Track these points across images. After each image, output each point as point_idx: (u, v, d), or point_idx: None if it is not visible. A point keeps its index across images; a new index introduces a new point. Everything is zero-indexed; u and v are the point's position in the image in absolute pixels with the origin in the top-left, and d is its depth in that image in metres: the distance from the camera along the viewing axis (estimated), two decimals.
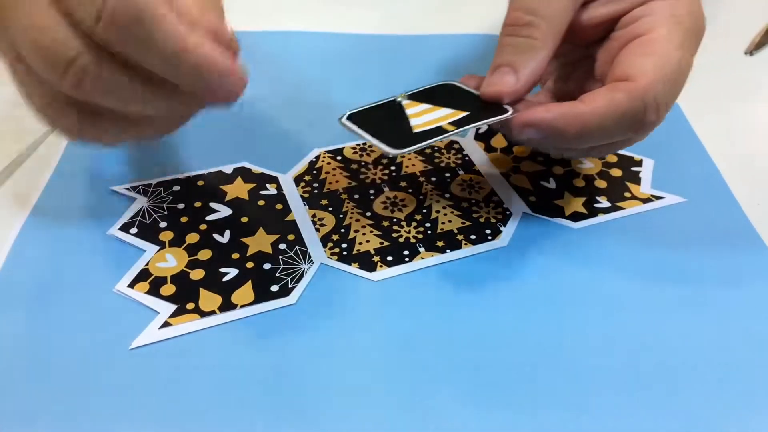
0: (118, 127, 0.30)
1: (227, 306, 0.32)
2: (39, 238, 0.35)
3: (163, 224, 0.35)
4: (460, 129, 0.31)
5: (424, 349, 0.30)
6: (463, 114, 0.32)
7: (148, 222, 0.35)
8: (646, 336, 0.31)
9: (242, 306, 0.32)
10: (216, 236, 0.35)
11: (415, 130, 0.32)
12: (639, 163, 0.41)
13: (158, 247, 0.34)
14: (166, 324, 0.31)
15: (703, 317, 0.32)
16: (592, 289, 0.33)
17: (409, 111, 0.33)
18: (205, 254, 0.34)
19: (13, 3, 0.28)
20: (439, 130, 0.31)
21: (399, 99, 0.34)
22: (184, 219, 0.36)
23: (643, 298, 0.33)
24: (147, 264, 0.33)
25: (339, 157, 0.40)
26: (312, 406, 0.28)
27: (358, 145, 0.41)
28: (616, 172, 0.40)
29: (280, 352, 0.30)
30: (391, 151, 0.30)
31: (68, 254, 0.34)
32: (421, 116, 0.33)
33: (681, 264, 0.35)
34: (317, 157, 0.40)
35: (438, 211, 0.37)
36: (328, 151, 0.41)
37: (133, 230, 0.35)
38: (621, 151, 0.41)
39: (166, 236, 0.35)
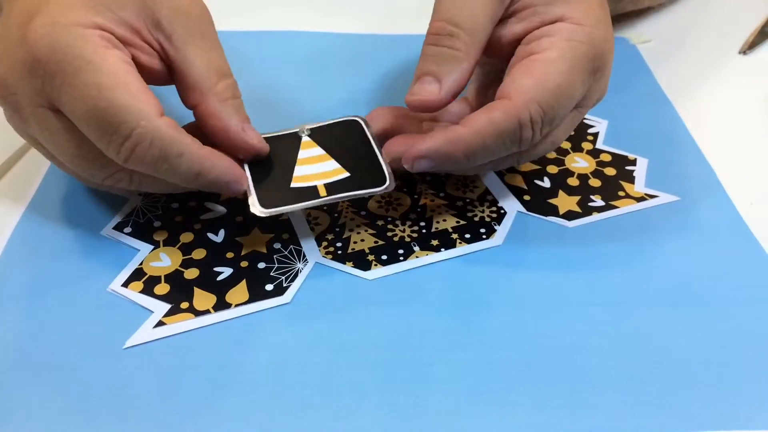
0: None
1: (221, 305, 0.32)
2: (33, 237, 0.35)
3: (157, 223, 0.35)
4: (329, 198, 0.33)
5: (419, 348, 0.30)
6: (343, 175, 0.34)
7: (142, 221, 0.35)
8: (640, 334, 0.31)
9: (237, 305, 0.32)
10: (210, 235, 0.35)
11: (293, 184, 0.33)
12: (633, 162, 0.41)
13: (152, 247, 0.34)
14: (160, 323, 0.31)
15: (696, 316, 0.32)
16: (587, 288, 0.33)
17: (300, 154, 0.34)
18: (199, 253, 0.34)
19: (25, 116, 0.30)
20: (312, 192, 0.33)
21: (300, 133, 0.35)
22: (178, 218, 0.36)
23: (637, 296, 0.33)
24: (141, 263, 0.33)
25: None
26: (306, 405, 0.28)
27: None
28: (611, 171, 0.40)
29: (274, 351, 0.30)
30: (259, 212, 0.32)
31: (62, 253, 0.34)
32: (307, 165, 0.34)
33: (675, 262, 0.35)
34: None
35: (433, 210, 0.37)
36: None
37: (128, 230, 0.35)
38: (615, 150, 0.42)
39: (161, 236, 0.35)
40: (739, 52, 0.53)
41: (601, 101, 0.36)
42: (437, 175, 0.39)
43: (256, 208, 0.32)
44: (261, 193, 0.33)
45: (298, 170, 0.34)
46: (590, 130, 0.43)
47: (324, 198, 0.33)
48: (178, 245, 0.34)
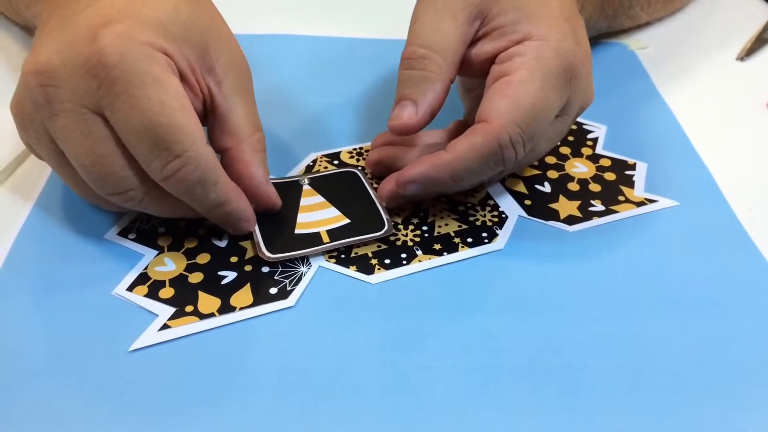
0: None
1: (226, 308, 0.32)
2: (37, 242, 0.35)
3: (161, 229, 0.36)
4: (332, 244, 0.34)
5: (422, 352, 0.31)
6: (344, 222, 0.36)
7: (146, 227, 0.36)
8: (640, 339, 0.32)
9: (241, 308, 0.32)
10: (215, 240, 0.35)
11: (297, 230, 0.35)
12: (633, 167, 0.41)
13: (157, 252, 0.34)
14: (165, 326, 0.31)
15: (695, 320, 0.32)
16: (587, 292, 0.34)
17: (303, 201, 0.36)
18: (203, 258, 0.34)
19: (57, 110, 0.30)
20: (316, 238, 0.35)
21: (301, 182, 0.38)
22: (182, 224, 0.36)
23: (636, 300, 0.33)
24: (146, 268, 0.34)
25: (336, 162, 0.41)
26: (310, 409, 0.28)
27: (355, 149, 0.42)
28: (610, 176, 0.40)
29: (278, 354, 0.30)
30: (270, 256, 0.34)
31: (67, 257, 0.34)
32: (310, 212, 0.36)
33: (674, 266, 0.35)
34: (314, 161, 0.41)
35: (435, 215, 0.37)
36: (326, 155, 0.41)
37: (132, 235, 0.35)
38: (615, 155, 0.42)
39: (165, 241, 0.35)
40: (737, 59, 0.53)
41: (589, 107, 0.37)
42: None
43: (264, 253, 0.34)
44: (268, 238, 0.34)
45: (301, 217, 0.36)
46: (590, 136, 0.44)
47: (327, 244, 0.34)
48: (182, 250, 0.35)
